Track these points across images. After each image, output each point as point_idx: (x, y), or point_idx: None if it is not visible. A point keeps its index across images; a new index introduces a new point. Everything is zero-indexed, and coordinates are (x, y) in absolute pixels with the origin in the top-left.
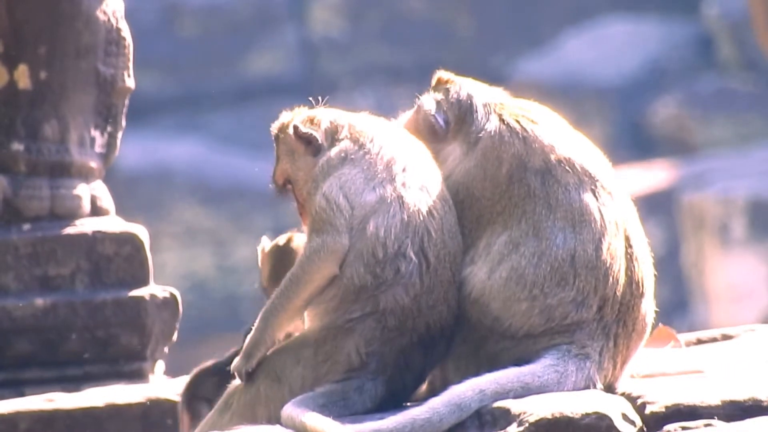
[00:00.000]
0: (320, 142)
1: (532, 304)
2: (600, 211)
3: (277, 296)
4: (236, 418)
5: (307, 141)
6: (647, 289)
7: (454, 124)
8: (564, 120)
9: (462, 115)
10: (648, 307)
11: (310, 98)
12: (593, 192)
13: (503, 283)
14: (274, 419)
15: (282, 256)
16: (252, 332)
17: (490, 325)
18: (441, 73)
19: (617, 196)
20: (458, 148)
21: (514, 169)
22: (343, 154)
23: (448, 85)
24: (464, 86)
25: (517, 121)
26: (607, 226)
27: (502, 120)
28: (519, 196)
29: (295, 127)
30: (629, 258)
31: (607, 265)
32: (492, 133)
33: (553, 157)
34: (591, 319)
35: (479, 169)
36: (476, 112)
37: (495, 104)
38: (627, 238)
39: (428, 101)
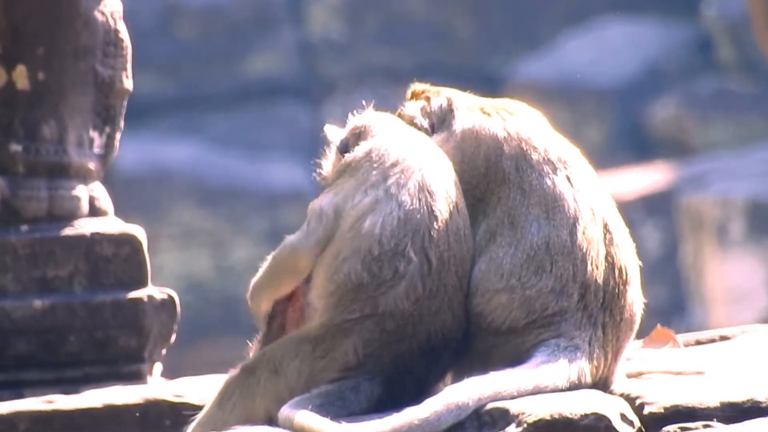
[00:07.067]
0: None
1: (511, 296)
2: (574, 197)
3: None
4: (238, 406)
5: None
6: (632, 277)
7: (437, 127)
8: (545, 119)
9: (443, 116)
10: (635, 296)
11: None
12: (568, 179)
13: (482, 276)
14: (272, 411)
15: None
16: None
17: (476, 322)
18: (415, 86)
19: (593, 185)
20: (439, 137)
21: (491, 151)
22: (349, 161)
23: (426, 94)
24: (443, 92)
25: (497, 112)
26: (582, 210)
27: (482, 111)
28: (495, 181)
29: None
30: (608, 244)
31: (584, 250)
32: (472, 120)
33: (528, 144)
34: (574, 308)
35: (458, 151)
36: (457, 110)
37: (475, 103)
38: (605, 225)
39: (411, 108)
